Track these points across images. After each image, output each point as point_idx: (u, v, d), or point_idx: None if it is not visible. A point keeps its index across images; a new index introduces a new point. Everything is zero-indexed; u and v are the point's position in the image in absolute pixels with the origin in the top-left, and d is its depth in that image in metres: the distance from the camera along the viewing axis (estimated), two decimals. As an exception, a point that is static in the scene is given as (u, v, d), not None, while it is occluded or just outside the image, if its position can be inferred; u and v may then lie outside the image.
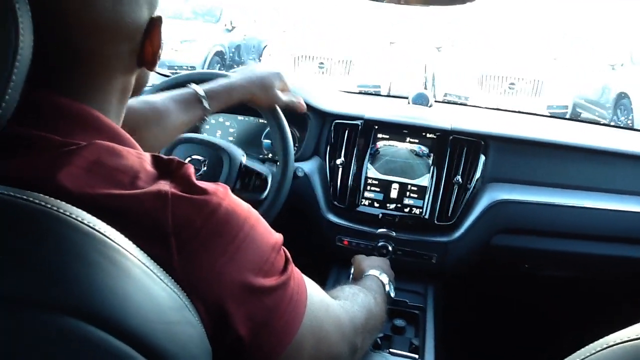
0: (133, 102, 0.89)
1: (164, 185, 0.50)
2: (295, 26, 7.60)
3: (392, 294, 1.05)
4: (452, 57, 7.03)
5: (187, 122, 1.01)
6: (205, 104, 1.01)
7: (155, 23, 0.58)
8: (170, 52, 6.57)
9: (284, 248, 0.60)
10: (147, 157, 0.54)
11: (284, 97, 1.14)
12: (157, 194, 0.49)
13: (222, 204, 0.52)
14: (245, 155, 1.22)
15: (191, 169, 0.55)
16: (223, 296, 0.50)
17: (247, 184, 1.21)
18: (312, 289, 0.64)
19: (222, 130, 1.57)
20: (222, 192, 0.54)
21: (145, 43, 0.58)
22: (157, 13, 0.59)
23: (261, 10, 9.35)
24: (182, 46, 6.73)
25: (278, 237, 0.60)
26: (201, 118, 1.03)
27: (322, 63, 6.50)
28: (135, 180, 0.50)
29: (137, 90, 0.65)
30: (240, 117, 1.55)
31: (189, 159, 1.20)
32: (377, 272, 1.04)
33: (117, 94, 0.58)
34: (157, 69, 0.64)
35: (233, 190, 1.13)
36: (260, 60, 7.92)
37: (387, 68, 6.58)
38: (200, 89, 1.02)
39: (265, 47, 7.96)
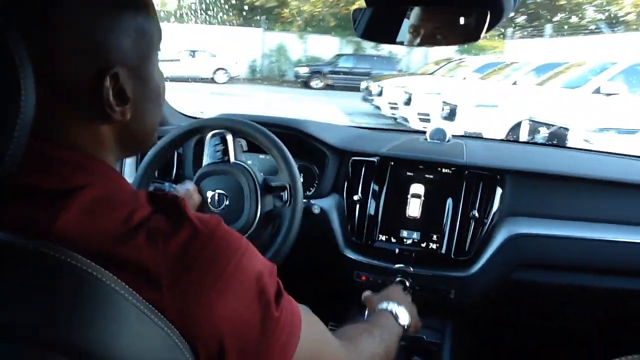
0: None
1: (157, 222, 0.51)
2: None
3: (406, 322, 1.01)
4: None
5: None
6: None
7: (102, 76, 0.55)
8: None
9: (279, 280, 0.60)
10: (142, 194, 0.55)
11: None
12: (149, 232, 0.50)
13: (214, 235, 0.53)
14: (263, 176, 1.21)
15: (184, 202, 0.56)
16: (216, 329, 0.51)
17: (267, 225, 1.21)
18: (309, 322, 0.64)
19: None
20: (214, 223, 0.54)
21: (101, 96, 0.55)
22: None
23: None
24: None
25: (271, 266, 0.59)
26: None
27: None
28: (131, 218, 0.51)
29: (131, 142, 0.63)
30: (261, 156, 1.60)
31: (212, 192, 1.21)
32: (385, 304, 1.03)
33: (96, 143, 0.58)
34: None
35: (256, 229, 1.13)
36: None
37: None
38: None
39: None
